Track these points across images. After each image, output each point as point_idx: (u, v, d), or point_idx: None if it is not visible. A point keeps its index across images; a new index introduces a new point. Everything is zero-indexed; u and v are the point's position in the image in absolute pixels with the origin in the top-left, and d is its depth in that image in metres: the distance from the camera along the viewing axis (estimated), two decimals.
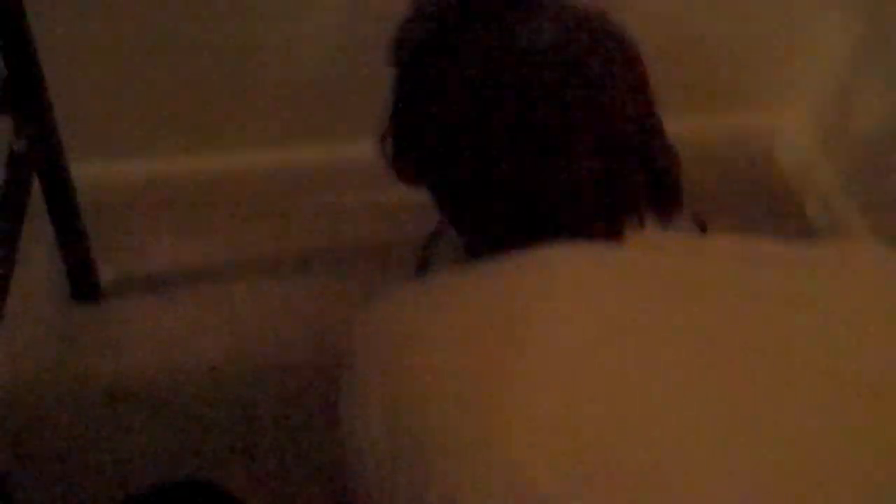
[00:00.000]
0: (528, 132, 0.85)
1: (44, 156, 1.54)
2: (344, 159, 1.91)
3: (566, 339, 0.75)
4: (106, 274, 1.78)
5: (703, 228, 0.95)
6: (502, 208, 0.89)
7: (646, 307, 0.78)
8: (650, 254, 0.84)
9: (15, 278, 1.38)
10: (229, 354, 1.71)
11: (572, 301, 0.78)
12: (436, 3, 0.93)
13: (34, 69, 1.44)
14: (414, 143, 0.94)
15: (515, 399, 0.73)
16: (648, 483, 0.69)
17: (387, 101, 0.96)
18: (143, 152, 1.85)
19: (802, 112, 2.05)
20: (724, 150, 2.00)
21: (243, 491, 1.06)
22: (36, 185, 1.56)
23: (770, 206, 2.03)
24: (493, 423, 0.72)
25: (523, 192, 0.87)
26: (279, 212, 1.93)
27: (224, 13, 1.67)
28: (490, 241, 0.91)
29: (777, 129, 2.10)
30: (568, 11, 0.89)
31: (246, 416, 1.62)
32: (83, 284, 1.75)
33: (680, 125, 0.96)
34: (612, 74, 0.87)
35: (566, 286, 0.79)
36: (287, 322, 1.76)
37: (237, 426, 1.61)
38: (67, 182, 1.61)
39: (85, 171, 1.68)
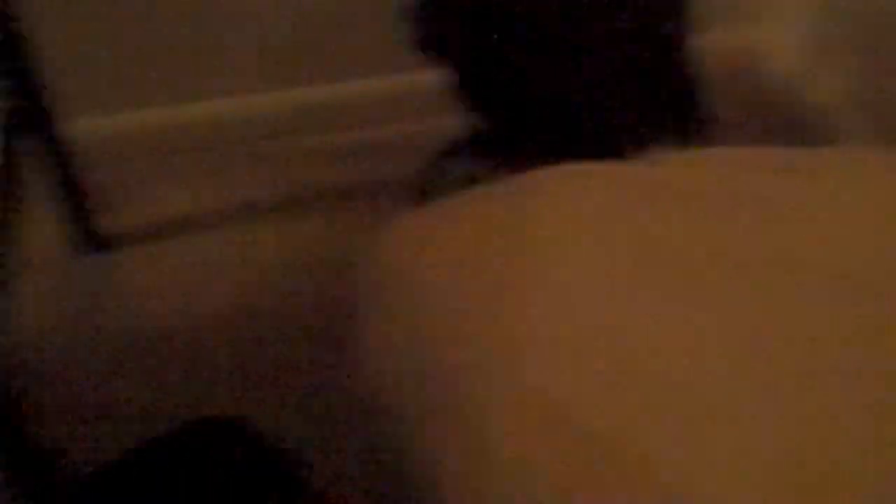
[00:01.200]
0: (564, 34, 0.83)
1: (36, 115, 1.54)
2: (343, 97, 1.92)
3: (576, 260, 0.75)
4: (110, 226, 1.79)
5: (712, 119, 0.95)
6: (523, 98, 0.88)
7: (652, 223, 0.78)
8: (658, 169, 0.83)
9: (21, 237, 1.39)
10: (242, 295, 1.72)
11: (577, 222, 0.78)
12: None
13: (18, 31, 1.45)
14: (443, 12, 0.91)
15: (529, 321, 0.73)
16: (666, 394, 0.70)
17: None
18: (139, 103, 1.85)
19: (793, 24, 2.04)
20: (717, 66, 2.00)
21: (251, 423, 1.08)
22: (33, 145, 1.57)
23: (768, 120, 2.03)
24: (508, 346, 0.72)
25: (547, 87, 0.86)
26: (282, 153, 1.94)
27: None
28: (502, 135, 0.91)
29: (770, 43, 2.10)
30: None
31: (262, 354, 1.64)
32: (88, 237, 1.76)
33: None
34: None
35: (571, 208, 0.79)
36: (297, 260, 1.76)
37: (254, 365, 1.63)
38: (62, 139, 1.62)
39: (82, 126, 1.69)
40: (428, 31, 0.91)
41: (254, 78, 1.87)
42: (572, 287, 0.74)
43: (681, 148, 0.87)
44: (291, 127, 1.95)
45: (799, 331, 0.74)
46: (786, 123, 2.02)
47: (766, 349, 0.72)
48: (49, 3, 1.62)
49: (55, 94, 1.56)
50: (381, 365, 0.81)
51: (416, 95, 1.60)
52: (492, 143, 0.93)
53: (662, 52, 0.87)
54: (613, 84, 0.85)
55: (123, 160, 1.89)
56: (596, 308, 0.73)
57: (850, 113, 1.91)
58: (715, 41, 1.99)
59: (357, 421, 1.53)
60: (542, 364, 0.71)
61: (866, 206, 0.82)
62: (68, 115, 1.61)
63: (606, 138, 0.85)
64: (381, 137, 1.96)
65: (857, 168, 0.87)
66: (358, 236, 1.74)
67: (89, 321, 1.69)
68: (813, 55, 2.00)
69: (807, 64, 2.02)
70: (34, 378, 1.59)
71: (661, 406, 0.69)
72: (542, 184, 0.82)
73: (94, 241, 1.77)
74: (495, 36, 0.86)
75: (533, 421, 0.69)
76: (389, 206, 1.80)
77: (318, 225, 1.83)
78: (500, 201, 0.83)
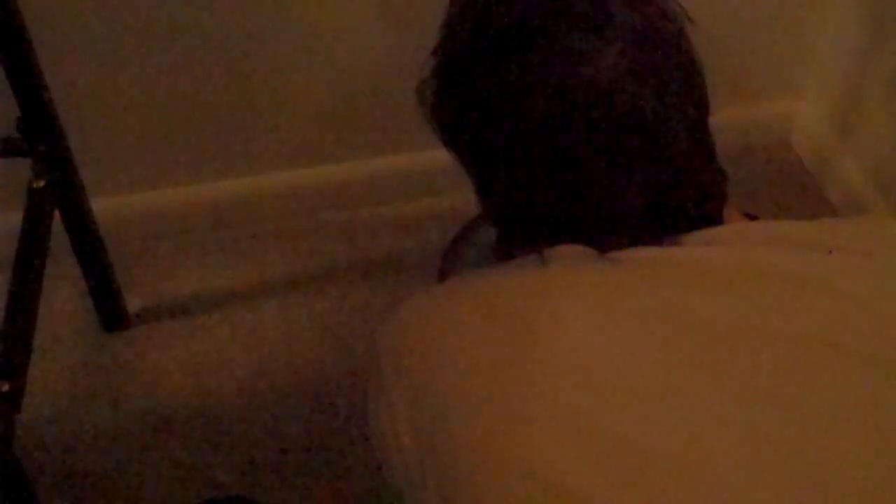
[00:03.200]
0: (570, 160, 0.81)
1: (63, 193, 1.56)
2: (361, 174, 1.94)
3: (581, 338, 0.75)
4: (134, 303, 1.80)
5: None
6: (528, 205, 0.86)
7: (657, 304, 0.77)
8: (678, 249, 0.82)
9: (46, 313, 1.39)
10: (259, 373, 1.73)
11: (586, 300, 0.78)
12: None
13: (47, 109, 1.46)
14: (454, 113, 0.88)
15: (534, 399, 0.73)
16: (672, 471, 0.69)
17: (435, 46, 0.89)
18: (162, 182, 1.87)
19: (817, 98, 2.05)
20: (742, 141, 2.01)
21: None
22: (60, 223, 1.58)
23: (791, 193, 2.03)
24: (514, 425, 0.73)
25: (556, 204, 0.84)
26: (300, 230, 1.95)
27: (233, 42, 1.69)
28: (510, 221, 0.90)
29: (793, 117, 2.10)
30: (638, 29, 0.82)
31: (277, 431, 1.64)
32: (112, 315, 1.77)
33: None
34: (669, 117, 0.82)
35: (581, 287, 0.79)
36: (314, 338, 1.77)
37: (269, 443, 1.63)
38: (88, 217, 1.63)
39: (105, 206, 1.71)
40: (432, 117, 0.90)
41: (273, 156, 1.89)
42: (579, 365, 0.74)
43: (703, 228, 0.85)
44: (318, 202, 1.96)
45: (819, 415, 0.72)
46: (806, 196, 2.02)
47: (779, 433, 0.71)
48: (77, 83, 1.65)
49: (83, 171, 1.58)
50: (386, 437, 0.81)
51: (438, 172, 1.60)
52: (502, 225, 0.92)
53: (684, 174, 0.84)
54: (629, 214, 0.83)
55: (149, 238, 1.91)
56: (601, 387, 0.73)
57: (866, 188, 1.91)
58: (743, 114, 2.01)
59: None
60: (545, 444, 0.71)
61: (885, 283, 0.81)
62: (94, 193, 1.62)
63: (614, 231, 0.84)
64: (410, 211, 1.97)
65: (880, 242, 0.85)
66: (381, 313, 1.76)
67: (106, 397, 1.69)
68: (834, 129, 2.00)
69: (828, 137, 2.02)
70: (46, 454, 1.59)
71: (665, 493, 0.68)
72: (554, 264, 0.81)
73: (119, 318, 1.78)
74: (499, 132, 0.85)
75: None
76: (415, 281, 1.81)
77: (344, 300, 1.83)
78: (512, 282, 0.83)
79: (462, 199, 0.95)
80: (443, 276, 1.78)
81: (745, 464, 0.69)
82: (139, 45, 1.66)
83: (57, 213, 1.56)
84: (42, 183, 1.47)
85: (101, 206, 1.68)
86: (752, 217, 0.92)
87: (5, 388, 1.25)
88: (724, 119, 0.92)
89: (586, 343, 0.75)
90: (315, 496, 1.56)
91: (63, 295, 1.79)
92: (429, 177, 1.84)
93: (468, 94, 0.86)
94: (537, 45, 0.81)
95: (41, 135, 1.47)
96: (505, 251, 0.91)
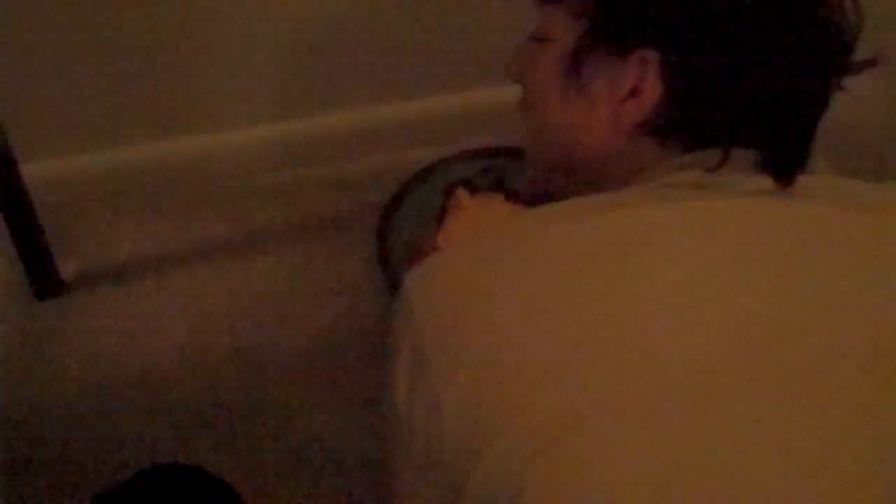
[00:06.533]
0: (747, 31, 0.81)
1: None
2: (294, 135, 1.92)
3: (661, 285, 0.70)
4: (67, 270, 1.78)
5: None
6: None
7: (735, 259, 0.73)
8: (754, 201, 0.79)
9: None
10: (197, 337, 1.71)
11: (666, 251, 0.73)
12: None
13: None
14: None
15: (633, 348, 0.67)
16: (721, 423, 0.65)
17: None
18: (94, 145, 1.84)
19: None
20: None
21: (217, 470, 1.06)
22: None
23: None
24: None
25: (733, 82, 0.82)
26: (235, 192, 1.93)
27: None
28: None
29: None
30: None
31: (216, 396, 1.63)
32: (45, 283, 1.74)
33: None
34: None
35: (660, 237, 0.73)
36: (252, 301, 1.76)
37: (208, 407, 1.62)
38: (18, 182, 1.60)
39: (37, 170, 1.68)
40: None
41: (206, 118, 1.87)
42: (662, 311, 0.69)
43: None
44: (251, 164, 1.95)
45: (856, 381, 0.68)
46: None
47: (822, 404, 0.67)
48: (2, 45, 1.61)
49: (12, 136, 1.54)
50: (419, 407, 0.72)
51: (373, 130, 1.59)
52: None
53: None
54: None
55: (81, 203, 1.88)
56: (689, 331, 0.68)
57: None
58: None
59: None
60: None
61: None
62: (25, 157, 1.59)
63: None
64: (344, 172, 1.96)
65: None
66: (319, 274, 1.75)
67: (41, 367, 1.66)
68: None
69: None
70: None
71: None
72: (636, 210, 0.76)
73: (53, 285, 1.75)
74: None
75: None
76: (352, 242, 1.80)
77: (280, 262, 1.82)
78: (584, 228, 0.75)
79: (399, 157, 0.94)
80: (380, 236, 1.78)
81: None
82: (64, 4, 1.62)
83: None
84: None
85: (32, 171, 1.64)
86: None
87: None
88: None
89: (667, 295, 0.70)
90: (254, 460, 1.55)
91: None
92: (363, 136, 1.83)
93: None
94: None
95: None
96: (540, 192, 0.88)
